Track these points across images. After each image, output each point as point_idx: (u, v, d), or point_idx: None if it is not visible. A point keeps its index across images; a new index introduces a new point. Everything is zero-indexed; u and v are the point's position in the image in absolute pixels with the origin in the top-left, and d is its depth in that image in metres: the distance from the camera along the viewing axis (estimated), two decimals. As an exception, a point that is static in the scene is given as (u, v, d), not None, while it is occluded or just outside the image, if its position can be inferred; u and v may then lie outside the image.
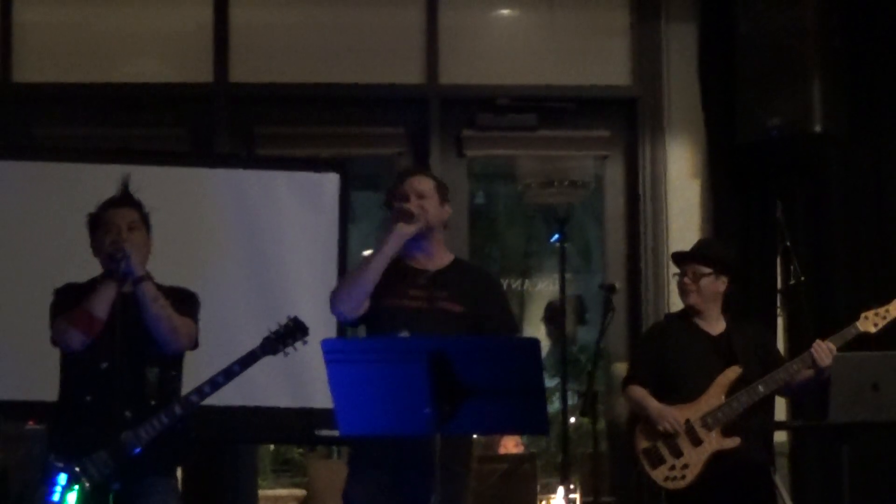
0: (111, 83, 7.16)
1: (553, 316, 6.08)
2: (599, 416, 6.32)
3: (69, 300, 4.84)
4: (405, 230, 4.70)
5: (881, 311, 5.69)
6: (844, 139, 6.90)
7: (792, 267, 6.65)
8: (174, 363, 4.92)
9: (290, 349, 4.85)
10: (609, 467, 7.12)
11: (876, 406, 5.40)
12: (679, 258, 5.85)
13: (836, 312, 6.80)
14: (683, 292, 5.78)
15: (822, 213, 7.09)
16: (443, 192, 4.86)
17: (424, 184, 4.82)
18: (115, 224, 4.85)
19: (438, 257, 4.84)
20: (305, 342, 4.81)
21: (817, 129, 6.71)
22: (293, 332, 4.83)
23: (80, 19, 7.24)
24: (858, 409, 5.40)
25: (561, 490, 6.77)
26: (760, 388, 5.59)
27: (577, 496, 7.34)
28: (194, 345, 4.95)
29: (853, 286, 6.97)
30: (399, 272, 4.75)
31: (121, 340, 4.69)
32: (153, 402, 4.77)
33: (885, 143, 7.12)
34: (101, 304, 4.75)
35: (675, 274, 5.86)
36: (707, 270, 5.73)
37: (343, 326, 5.68)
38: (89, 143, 7.05)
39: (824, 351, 5.53)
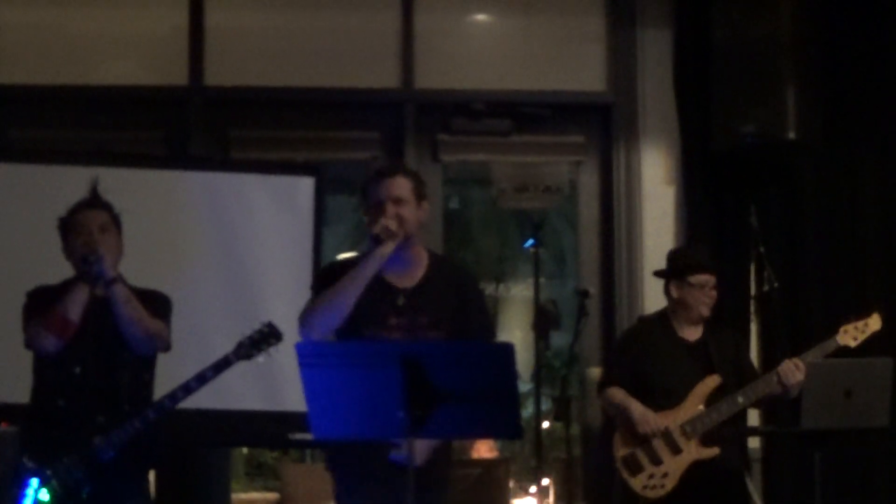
0: (86, 85, 7.12)
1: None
2: (573, 421, 6.32)
3: (41, 303, 4.82)
4: (384, 251, 4.45)
5: (860, 325, 5.69)
6: (818, 146, 6.92)
7: (765, 273, 6.66)
8: (147, 366, 4.91)
9: (264, 355, 4.83)
10: (582, 472, 7.12)
11: (848, 413, 5.41)
12: (698, 269, 5.76)
13: (810, 319, 6.84)
14: (703, 305, 5.73)
15: (796, 220, 7.12)
16: (420, 190, 4.61)
17: (402, 187, 4.55)
18: (87, 226, 4.83)
19: (415, 265, 4.63)
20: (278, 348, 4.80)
21: (792, 136, 6.73)
22: (267, 337, 4.81)
23: (54, 21, 7.20)
24: (830, 416, 5.41)
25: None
26: (740, 399, 5.58)
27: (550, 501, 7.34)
28: (167, 347, 4.93)
29: (827, 292, 6.99)
30: (376, 291, 4.52)
31: (93, 344, 4.69)
32: (126, 407, 4.75)
33: (858, 150, 7.16)
34: (75, 308, 4.73)
35: (689, 283, 5.75)
36: (714, 281, 5.74)
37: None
38: (64, 145, 7.03)
39: (790, 371, 5.53)
